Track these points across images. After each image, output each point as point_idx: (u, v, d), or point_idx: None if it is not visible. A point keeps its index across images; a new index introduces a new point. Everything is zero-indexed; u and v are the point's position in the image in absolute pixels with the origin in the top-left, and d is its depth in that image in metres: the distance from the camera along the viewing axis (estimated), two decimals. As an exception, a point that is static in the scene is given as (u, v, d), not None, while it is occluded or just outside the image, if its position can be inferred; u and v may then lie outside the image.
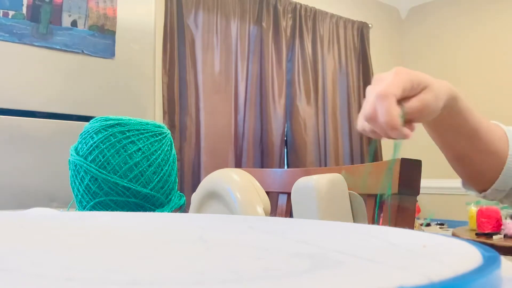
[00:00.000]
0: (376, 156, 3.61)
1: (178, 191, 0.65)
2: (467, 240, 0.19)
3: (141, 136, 0.57)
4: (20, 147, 1.51)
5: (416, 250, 0.16)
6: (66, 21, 1.60)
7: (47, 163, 1.54)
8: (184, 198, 0.65)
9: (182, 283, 0.11)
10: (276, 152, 3.07)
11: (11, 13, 1.51)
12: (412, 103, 0.50)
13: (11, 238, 0.19)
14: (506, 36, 3.54)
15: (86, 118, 1.53)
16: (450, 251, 0.16)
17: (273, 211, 0.92)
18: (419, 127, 0.54)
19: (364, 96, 0.52)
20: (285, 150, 3.25)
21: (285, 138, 3.23)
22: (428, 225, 3.41)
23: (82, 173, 0.56)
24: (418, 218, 3.68)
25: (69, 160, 0.59)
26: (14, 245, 0.17)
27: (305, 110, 3.25)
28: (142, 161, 0.56)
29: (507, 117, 3.40)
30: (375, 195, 0.77)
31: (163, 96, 2.64)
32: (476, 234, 2.24)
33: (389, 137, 0.49)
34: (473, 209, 2.47)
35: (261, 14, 3.09)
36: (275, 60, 3.13)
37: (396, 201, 0.70)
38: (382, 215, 0.74)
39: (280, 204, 0.97)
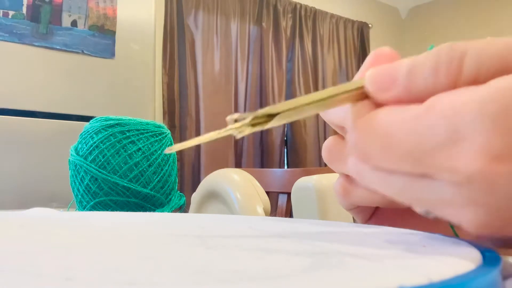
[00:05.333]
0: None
1: (178, 191, 0.65)
2: (467, 240, 0.19)
3: (141, 136, 0.57)
4: (20, 147, 1.51)
5: (416, 250, 0.16)
6: (66, 21, 1.59)
7: (47, 163, 1.54)
8: (184, 198, 0.65)
9: (182, 283, 0.11)
10: (276, 152, 3.07)
11: (11, 13, 1.51)
12: None
13: (11, 238, 0.19)
14: (507, 37, 3.54)
15: (86, 118, 1.53)
16: (450, 251, 0.16)
17: (273, 211, 0.92)
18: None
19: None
20: (285, 150, 3.25)
21: (285, 138, 3.23)
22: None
23: (82, 173, 0.56)
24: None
25: (69, 160, 0.59)
26: (14, 245, 0.17)
27: (305, 110, 3.25)
28: (142, 161, 0.56)
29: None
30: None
31: (163, 96, 2.64)
32: (476, 234, 2.24)
33: None
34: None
35: (261, 14, 3.09)
36: (275, 60, 3.13)
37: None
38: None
39: (280, 204, 0.97)
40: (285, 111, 0.19)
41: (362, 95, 0.20)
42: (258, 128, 0.19)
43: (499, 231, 0.17)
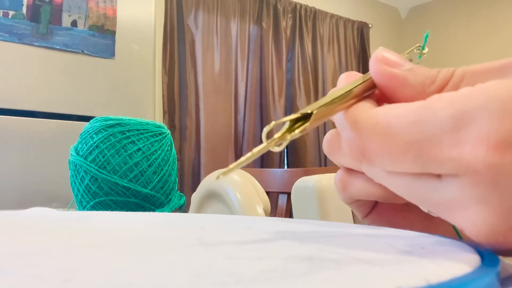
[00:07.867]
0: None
1: (178, 191, 0.65)
2: (467, 241, 0.19)
3: (141, 136, 0.57)
4: (20, 147, 1.51)
5: (414, 251, 0.16)
6: (66, 21, 1.59)
7: (47, 163, 1.54)
8: (184, 198, 0.65)
9: (180, 284, 0.11)
10: (276, 152, 3.06)
11: (11, 13, 1.51)
12: None
13: (9, 238, 0.19)
14: (507, 36, 3.54)
15: (86, 118, 1.53)
16: (449, 253, 0.16)
17: (273, 211, 0.92)
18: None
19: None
20: (285, 150, 3.25)
21: (285, 138, 3.23)
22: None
23: (82, 173, 0.56)
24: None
25: (69, 160, 0.59)
26: (12, 245, 0.17)
27: (305, 110, 3.25)
28: (142, 161, 0.56)
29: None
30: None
31: (163, 96, 2.63)
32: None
33: None
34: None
35: (261, 14, 3.09)
36: (275, 60, 3.13)
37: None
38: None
39: (280, 204, 0.97)
40: (319, 107, 0.18)
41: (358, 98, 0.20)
42: (296, 133, 0.18)
43: (506, 239, 0.16)
